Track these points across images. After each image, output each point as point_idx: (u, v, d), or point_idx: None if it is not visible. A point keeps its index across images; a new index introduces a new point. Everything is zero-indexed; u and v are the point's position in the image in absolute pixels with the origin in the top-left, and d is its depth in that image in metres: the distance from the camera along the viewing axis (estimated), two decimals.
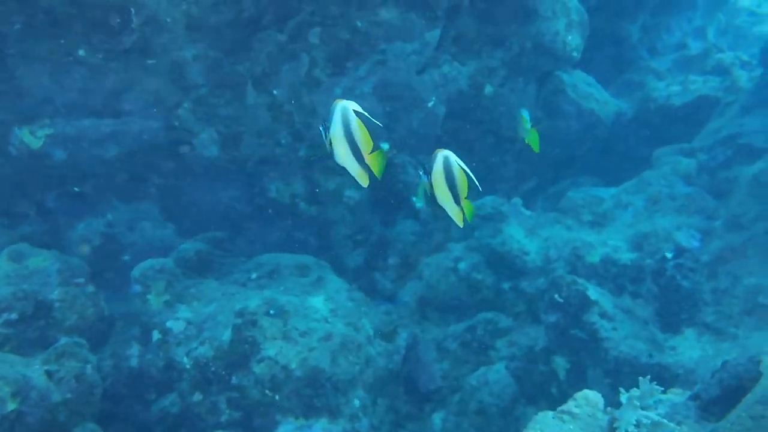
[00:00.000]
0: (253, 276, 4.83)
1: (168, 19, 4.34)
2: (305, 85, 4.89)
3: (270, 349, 4.09)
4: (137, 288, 4.67)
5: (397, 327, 4.95)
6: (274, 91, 4.88)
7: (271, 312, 4.30)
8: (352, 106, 2.38)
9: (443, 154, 2.68)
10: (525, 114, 4.01)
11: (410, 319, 5.26)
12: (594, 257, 5.00)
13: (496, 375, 4.53)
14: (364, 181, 2.61)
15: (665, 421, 2.77)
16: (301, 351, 4.14)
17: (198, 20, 4.43)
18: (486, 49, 5.45)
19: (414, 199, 5.68)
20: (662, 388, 3.14)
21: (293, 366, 4.05)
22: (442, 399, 4.59)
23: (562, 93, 6.02)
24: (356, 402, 4.16)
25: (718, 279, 4.40)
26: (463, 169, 2.69)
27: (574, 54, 5.62)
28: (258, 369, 4.04)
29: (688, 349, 4.12)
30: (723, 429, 2.67)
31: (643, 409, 2.98)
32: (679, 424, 2.88)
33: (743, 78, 6.25)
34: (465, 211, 2.77)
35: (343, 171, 5.31)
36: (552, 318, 4.58)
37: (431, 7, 4.96)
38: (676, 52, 7.17)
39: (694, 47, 7.23)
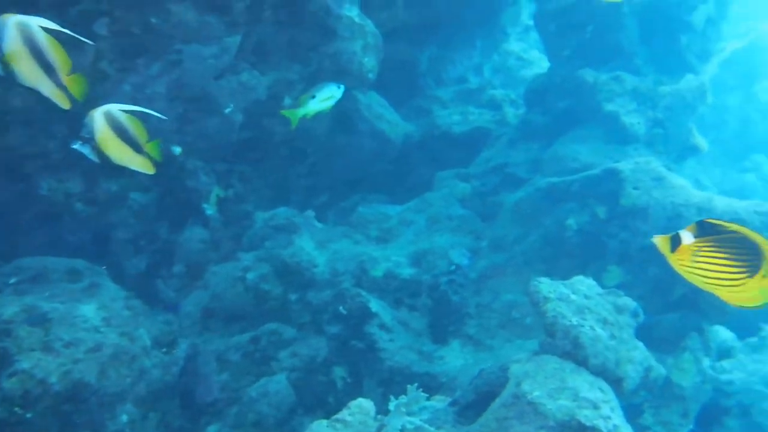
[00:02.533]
0: (12, 281, 4.33)
1: None
2: (89, 76, 4.52)
3: (25, 362, 3.69)
4: None
5: (178, 337, 4.77)
6: None
7: (31, 320, 3.89)
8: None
9: (101, 111, 2.53)
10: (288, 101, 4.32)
11: (192, 330, 5.10)
12: (378, 271, 5.27)
13: (277, 386, 4.56)
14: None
15: (426, 425, 3.01)
16: (64, 363, 3.79)
17: None
18: (285, 62, 5.50)
19: (205, 205, 5.53)
20: (427, 395, 3.41)
21: (53, 380, 3.70)
22: (219, 411, 4.50)
23: (357, 112, 6.27)
24: (124, 417, 3.93)
25: (482, 294, 4.88)
26: (133, 112, 2.59)
27: (370, 75, 5.90)
28: (8, 384, 3.62)
29: (454, 358, 4.52)
30: (473, 431, 2.96)
31: (409, 415, 3.20)
32: (438, 428, 3.14)
33: (511, 114, 7.05)
34: (153, 154, 2.68)
35: (129, 172, 4.97)
36: (334, 329, 4.74)
37: (232, 12, 4.89)
38: (458, 84, 7.84)
39: (473, 82, 7.98)
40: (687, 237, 2.02)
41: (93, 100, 4.74)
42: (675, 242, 2.04)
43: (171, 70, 4.85)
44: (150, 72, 4.78)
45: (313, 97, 4.34)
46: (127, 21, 4.56)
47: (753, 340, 4.96)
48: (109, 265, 5.08)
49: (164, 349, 4.56)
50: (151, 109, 4.88)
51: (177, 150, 5.15)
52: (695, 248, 2.00)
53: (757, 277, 1.96)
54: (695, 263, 2.00)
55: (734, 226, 1.97)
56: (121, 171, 5.12)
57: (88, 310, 4.22)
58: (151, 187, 5.26)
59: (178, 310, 5.18)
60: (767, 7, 12.28)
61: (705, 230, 1.99)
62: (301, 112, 4.37)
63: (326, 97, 4.35)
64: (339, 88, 4.40)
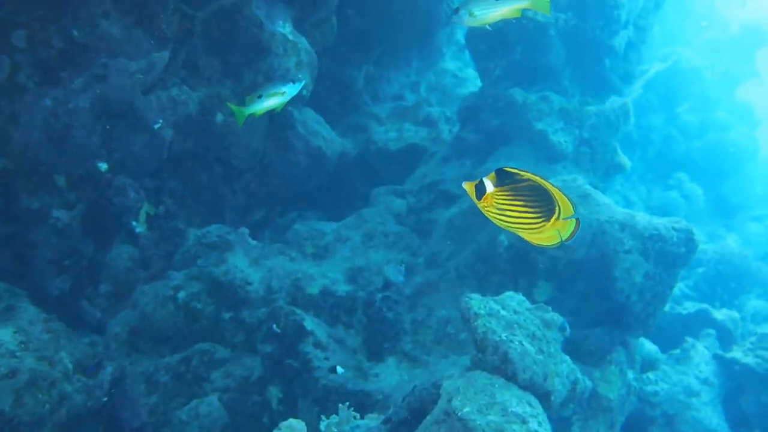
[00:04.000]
0: None
1: None
2: (5, 90, 4.35)
3: None
4: None
5: (103, 360, 4.59)
6: None
7: None
8: None
9: None
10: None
11: (120, 351, 4.91)
12: (314, 289, 5.22)
13: (208, 408, 4.43)
14: None
15: None
16: None
17: None
18: (217, 77, 5.43)
19: (134, 223, 5.36)
20: (358, 414, 3.38)
21: None
22: None
23: (292, 128, 6.24)
24: None
25: (417, 311, 4.90)
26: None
27: (304, 92, 5.88)
28: None
29: (389, 375, 4.50)
30: None
31: None
32: None
33: (446, 131, 7.16)
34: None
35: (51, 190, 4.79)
36: (268, 348, 4.65)
37: (160, 27, 4.79)
38: (394, 101, 7.92)
39: (410, 99, 8.08)
40: (489, 185, 2.17)
41: (11, 114, 4.58)
42: (480, 190, 2.18)
43: (96, 84, 4.70)
44: (73, 86, 4.62)
45: (260, 96, 4.19)
46: (47, 33, 4.40)
47: (676, 351, 5.16)
48: (31, 286, 4.85)
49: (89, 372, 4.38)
50: (74, 126, 4.77)
51: (103, 166, 4.99)
52: (497, 196, 2.16)
53: (552, 220, 2.15)
54: (499, 209, 2.17)
55: (528, 175, 2.13)
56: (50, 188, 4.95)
57: (4, 335, 4.02)
58: (75, 204, 5.06)
59: (104, 332, 4.99)
60: (688, 32, 12.98)
61: (503, 179, 2.16)
62: (248, 110, 4.18)
63: (274, 94, 4.16)
64: (292, 84, 4.15)
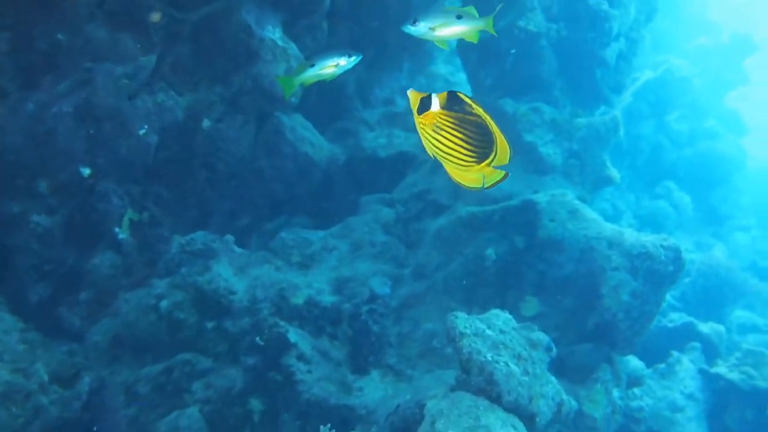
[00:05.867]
0: None
1: None
2: None
3: None
4: None
5: (81, 370, 4.52)
6: None
7: None
8: None
9: None
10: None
11: (99, 361, 4.83)
12: (299, 299, 5.15)
13: (188, 420, 4.37)
14: None
15: None
16: None
17: None
18: (205, 83, 5.35)
19: (117, 229, 5.27)
20: None
21: None
22: None
23: (281, 134, 6.16)
24: None
25: (402, 323, 4.86)
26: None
27: (293, 99, 5.82)
28: None
29: (373, 390, 4.45)
30: None
31: None
32: None
33: None
34: None
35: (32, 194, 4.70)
36: (251, 360, 4.59)
37: (147, 31, 4.71)
38: (384, 106, 7.85)
39: (400, 104, 8.01)
40: (435, 104, 1.99)
41: None
42: (425, 105, 2.00)
43: (80, 88, 4.61)
44: (57, 90, 4.53)
45: (312, 65, 4.00)
46: (31, 37, 4.31)
47: (661, 366, 5.15)
48: (9, 292, 4.77)
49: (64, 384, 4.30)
50: (57, 130, 4.68)
51: (86, 171, 4.90)
52: (439, 118, 1.98)
53: (483, 164, 2.02)
54: (435, 132, 2.00)
55: (479, 110, 1.98)
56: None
57: None
58: (57, 209, 4.97)
59: (84, 340, 4.90)
60: (678, 38, 13.02)
61: (453, 104, 1.98)
62: (297, 79, 3.97)
63: (328, 65, 3.98)
64: (349, 57, 3.85)
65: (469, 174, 2.06)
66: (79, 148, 4.80)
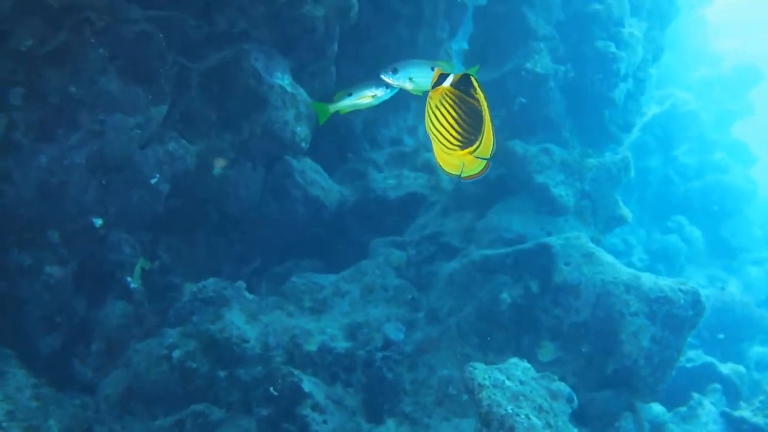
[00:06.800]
0: None
1: None
2: (0, 147, 4.28)
3: None
4: None
5: (93, 425, 4.45)
6: None
7: None
8: None
9: None
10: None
11: (111, 414, 4.76)
12: (312, 345, 5.09)
13: None
14: None
15: None
16: None
17: None
18: (215, 130, 5.38)
19: (128, 279, 5.25)
20: None
21: None
22: None
23: (290, 177, 6.18)
24: None
25: (418, 370, 4.78)
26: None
27: (303, 144, 5.84)
28: None
29: None
30: None
31: None
32: None
33: (445, 178, 7.10)
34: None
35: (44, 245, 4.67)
36: (264, 412, 4.51)
37: (158, 82, 4.76)
38: (392, 146, 7.88)
39: (408, 144, 8.04)
40: (448, 81, 2.02)
41: (5, 171, 4.51)
42: (440, 81, 2.02)
43: (92, 140, 4.64)
44: (69, 142, 4.56)
45: (350, 94, 3.96)
46: (44, 90, 4.35)
47: (683, 410, 5.04)
48: (20, 343, 4.73)
49: None
50: (69, 182, 4.69)
51: (98, 222, 4.90)
52: (445, 94, 2.00)
53: (466, 151, 2.03)
54: (436, 107, 2.02)
55: (480, 96, 1.99)
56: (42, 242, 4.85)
57: None
58: (69, 259, 4.95)
59: (95, 393, 4.84)
60: (679, 71, 13.10)
61: (462, 84, 2.00)
62: (333, 107, 3.91)
63: (366, 95, 3.92)
64: (385, 89, 3.75)
65: (451, 159, 2.08)
66: (91, 199, 4.81)
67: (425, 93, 3.04)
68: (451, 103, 2.00)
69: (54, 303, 4.93)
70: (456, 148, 2.03)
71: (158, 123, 4.93)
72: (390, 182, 7.17)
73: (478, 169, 2.08)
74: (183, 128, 5.23)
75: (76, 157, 4.60)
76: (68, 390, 4.78)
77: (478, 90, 1.99)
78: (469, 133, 2.01)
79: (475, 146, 2.02)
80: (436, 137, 2.04)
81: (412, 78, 3.26)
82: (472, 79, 2.00)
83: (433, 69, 3.26)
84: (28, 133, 4.38)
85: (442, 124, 2.01)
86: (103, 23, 4.55)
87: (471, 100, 2.00)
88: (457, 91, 2.00)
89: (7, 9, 4.01)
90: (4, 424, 3.75)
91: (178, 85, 5.10)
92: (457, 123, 2.01)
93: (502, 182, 5.72)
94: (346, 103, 3.89)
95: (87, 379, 5.01)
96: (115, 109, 4.66)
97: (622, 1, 5.64)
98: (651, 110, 9.49)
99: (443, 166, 2.11)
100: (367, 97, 3.82)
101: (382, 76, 3.30)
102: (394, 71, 3.26)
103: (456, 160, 2.06)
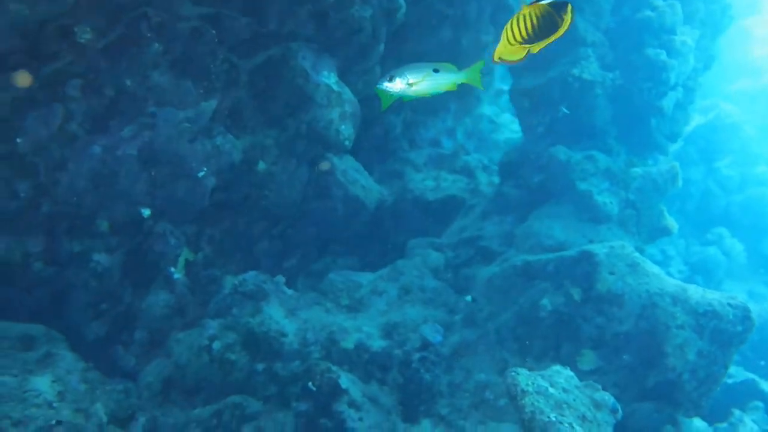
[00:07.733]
0: None
1: None
2: (56, 138, 4.40)
3: None
4: None
5: (136, 411, 4.54)
6: (18, 140, 4.30)
7: None
8: None
9: None
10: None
11: (152, 401, 4.85)
12: (348, 343, 5.13)
13: None
14: None
15: None
16: None
17: None
18: (261, 127, 5.45)
19: (172, 269, 5.34)
20: None
21: None
22: None
23: (332, 176, 6.22)
24: None
25: (454, 373, 4.78)
26: None
27: (347, 143, 5.88)
28: None
29: None
30: None
31: None
32: None
33: (484, 182, 7.08)
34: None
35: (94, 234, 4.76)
36: (302, 407, 4.55)
37: (209, 77, 4.84)
38: (431, 147, 7.88)
39: (447, 146, 8.04)
40: (544, 2, 2.42)
41: (60, 161, 4.63)
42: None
43: (143, 132, 4.74)
44: (122, 134, 4.67)
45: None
46: (100, 83, 4.46)
47: (723, 425, 4.95)
48: (67, 328, 4.85)
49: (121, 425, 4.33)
50: (120, 172, 4.80)
51: (146, 212, 5.00)
52: (537, 6, 2.42)
53: (519, 46, 2.48)
54: (523, 17, 2.43)
55: (568, 19, 2.42)
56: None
57: (42, 384, 3.99)
58: (116, 248, 5.07)
59: (138, 380, 4.94)
60: (719, 82, 12.82)
61: (555, 4, 2.42)
62: (396, 93, 3.88)
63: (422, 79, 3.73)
64: (456, 73, 3.42)
65: (508, 50, 2.50)
66: (141, 190, 4.91)
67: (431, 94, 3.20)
68: (539, 15, 2.41)
69: (100, 290, 5.06)
70: (516, 43, 2.46)
71: (207, 118, 5.00)
72: (428, 183, 7.18)
73: (518, 57, 2.51)
74: (230, 124, 5.30)
75: (127, 148, 4.70)
76: (112, 375, 4.88)
77: (565, 19, 2.40)
78: (536, 37, 2.44)
79: (530, 45, 2.46)
80: (508, 33, 2.45)
81: (412, 83, 3.26)
82: (569, 6, 2.41)
83: (436, 71, 3.26)
84: (84, 123, 4.49)
85: (517, 29, 2.43)
86: (159, 19, 4.65)
87: (557, 17, 2.40)
88: (549, 8, 2.41)
89: (70, 3, 4.11)
90: (55, 405, 3.85)
91: (227, 81, 5.18)
92: (533, 28, 2.42)
93: (544, 187, 5.68)
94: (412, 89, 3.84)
95: (130, 366, 5.12)
96: (166, 102, 4.76)
97: (675, 8, 5.56)
98: (694, 121, 9.33)
99: (500, 53, 2.52)
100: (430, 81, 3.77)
101: (379, 86, 3.32)
102: (391, 79, 3.27)
103: (510, 55, 2.51)
